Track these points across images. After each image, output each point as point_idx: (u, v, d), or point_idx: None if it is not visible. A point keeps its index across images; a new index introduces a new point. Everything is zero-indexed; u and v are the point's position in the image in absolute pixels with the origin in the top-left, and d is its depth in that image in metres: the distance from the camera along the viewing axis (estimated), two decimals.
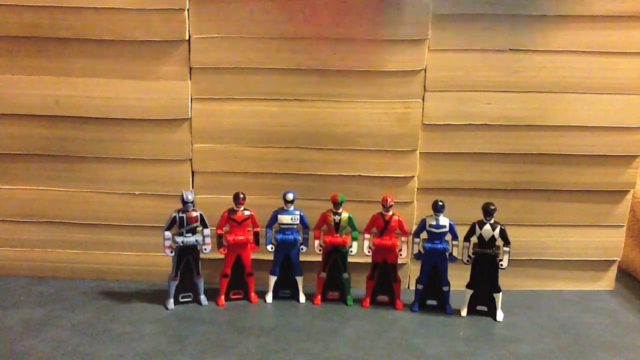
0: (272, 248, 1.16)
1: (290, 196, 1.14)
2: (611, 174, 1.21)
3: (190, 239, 1.12)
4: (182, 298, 1.15)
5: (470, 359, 0.98)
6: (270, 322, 1.09)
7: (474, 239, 1.13)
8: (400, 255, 1.15)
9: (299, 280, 1.18)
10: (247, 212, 1.14)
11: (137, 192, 1.21)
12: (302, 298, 1.18)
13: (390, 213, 1.14)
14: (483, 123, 1.18)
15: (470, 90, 1.17)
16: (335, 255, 1.17)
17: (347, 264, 1.17)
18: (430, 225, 1.12)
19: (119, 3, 1.11)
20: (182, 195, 1.11)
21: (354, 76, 1.16)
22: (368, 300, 1.17)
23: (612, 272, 1.28)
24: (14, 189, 1.22)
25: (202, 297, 1.16)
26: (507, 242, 1.11)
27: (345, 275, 1.17)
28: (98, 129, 1.18)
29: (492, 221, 1.11)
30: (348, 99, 1.17)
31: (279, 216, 1.15)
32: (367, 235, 1.16)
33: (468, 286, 1.14)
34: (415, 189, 1.21)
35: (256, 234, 1.16)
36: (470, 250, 1.13)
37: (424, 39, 1.14)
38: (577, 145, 1.20)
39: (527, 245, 1.23)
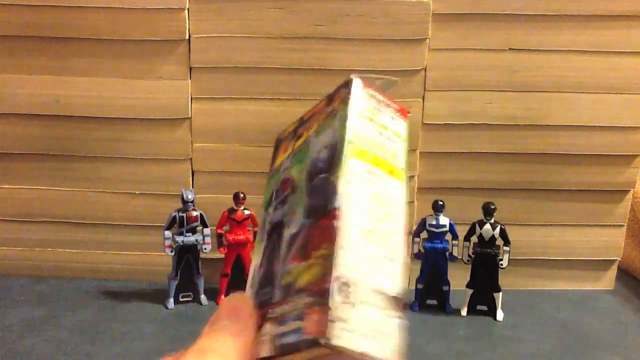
0: None
1: None
2: (611, 173, 1.21)
3: (190, 238, 1.12)
4: (182, 298, 1.15)
5: (470, 358, 0.98)
6: None
7: (474, 239, 1.13)
8: None
9: None
10: (247, 212, 1.14)
11: (137, 192, 1.21)
12: None
13: None
14: (483, 123, 1.18)
15: (470, 90, 1.17)
16: None
17: None
18: (430, 225, 1.12)
19: (118, 3, 1.11)
20: (182, 195, 1.11)
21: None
22: None
23: (612, 272, 1.28)
24: (14, 189, 1.21)
25: (203, 297, 1.16)
26: (507, 242, 1.11)
27: None
28: (98, 128, 1.18)
29: (492, 221, 1.11)
30: None
31: None
32: None
33: (468, 286, 1.14)
34: (416, 189, 1.21)
35: (256, 234, 1.16)
36: (471, 250, 1.13)
37: (424, 39, 1.14)
38: (577, 145, 1.19)
39: (527, 245, 1.23)
